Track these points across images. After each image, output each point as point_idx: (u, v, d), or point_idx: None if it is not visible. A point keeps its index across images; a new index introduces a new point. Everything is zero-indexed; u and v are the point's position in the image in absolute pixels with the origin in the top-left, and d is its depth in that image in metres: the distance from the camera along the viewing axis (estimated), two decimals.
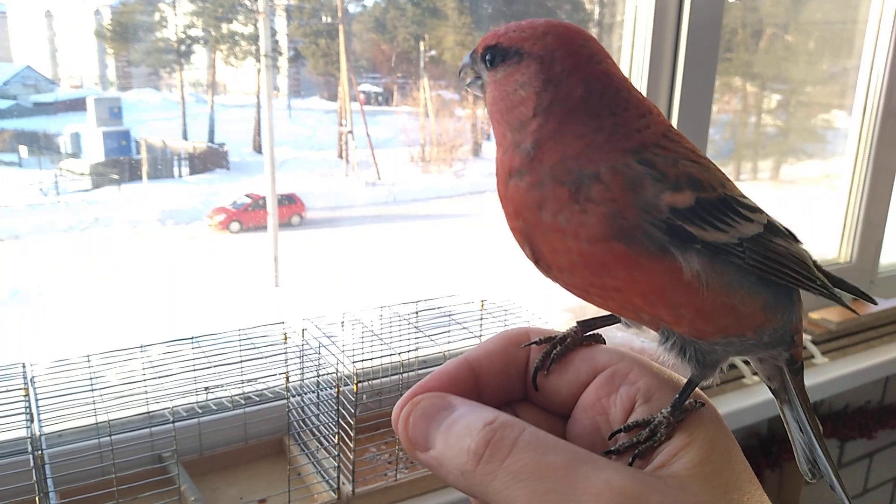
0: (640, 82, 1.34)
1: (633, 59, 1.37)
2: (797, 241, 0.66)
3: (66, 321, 3.21)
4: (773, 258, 0.62)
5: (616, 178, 0.55)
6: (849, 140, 3.05)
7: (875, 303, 0.75)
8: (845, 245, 2.85)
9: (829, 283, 0.66)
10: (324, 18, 3.94)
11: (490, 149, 4.38)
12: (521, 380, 0.57)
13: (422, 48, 4.11)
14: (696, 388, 0.58)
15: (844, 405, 3.08)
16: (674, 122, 1.40)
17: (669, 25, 1.38)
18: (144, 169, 3.66)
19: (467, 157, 4.46)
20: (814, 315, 2.82)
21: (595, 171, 0.54)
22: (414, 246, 3.80)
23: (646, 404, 0.54)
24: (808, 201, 3.58)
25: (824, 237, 3.13)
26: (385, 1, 4.02)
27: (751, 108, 3.83)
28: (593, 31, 4.29)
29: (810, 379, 1.23)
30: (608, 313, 0.65)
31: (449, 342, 1.19)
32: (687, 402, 0.55)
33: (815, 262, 0.67)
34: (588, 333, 0.61)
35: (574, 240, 0.54)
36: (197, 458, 1.05)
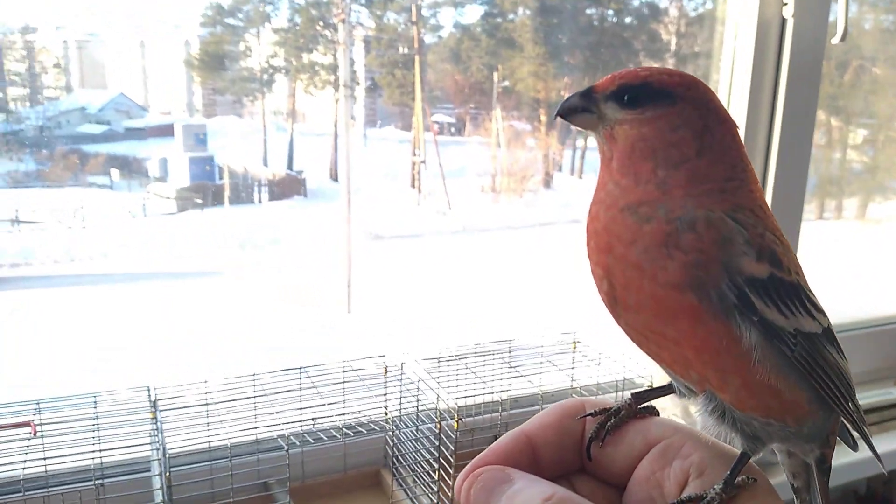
0: (738, 112, 1.34)
1: (731, 92, 1.38)
2: (845, 358, 0.66)
3: (149, 339, 3.33)
4: (820, 363, 0.61)
5: (710, 230, 0.56)
6: None
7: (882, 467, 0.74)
8: None
9: (860, 414, 0.65)
10: (400, 49, 4.03)
11: (561, 180, 4.36)
12: (577, 452, 0.58)
13: (495, 78, 4.15)
14: (753, 465, 0.58)
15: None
16: (772, 159, 1.39)
17: (769, 62, 1.37)
18: (226, 194, 3.81)
19: (538, 188, 4.45)
20: None
21: (693, 218, 0.56)
22: (482, 274, 3.81)
23: (699, 479, 0.54)
24: None
25: None
26: (460, 31, 4.08)
27: (835, 144, 3.72)
28: (669, 62, 4.25)
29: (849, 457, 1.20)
30: (663, 385, 0.66)
31: (542, 382, 1.19)
32: (739, 479, 0.55)
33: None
34: (642, 405, 0.61)
35: (650, 281, 0.55)
36: (299, 485, 1.09)
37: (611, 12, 3.74)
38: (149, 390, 1.01)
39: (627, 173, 0.58)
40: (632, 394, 0.60)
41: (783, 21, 1.34)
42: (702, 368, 0.58)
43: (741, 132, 1.46)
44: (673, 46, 3.70)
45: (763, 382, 0.57)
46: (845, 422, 0.66)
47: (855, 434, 0.71)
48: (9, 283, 3.82)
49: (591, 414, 0.59)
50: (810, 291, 0.62)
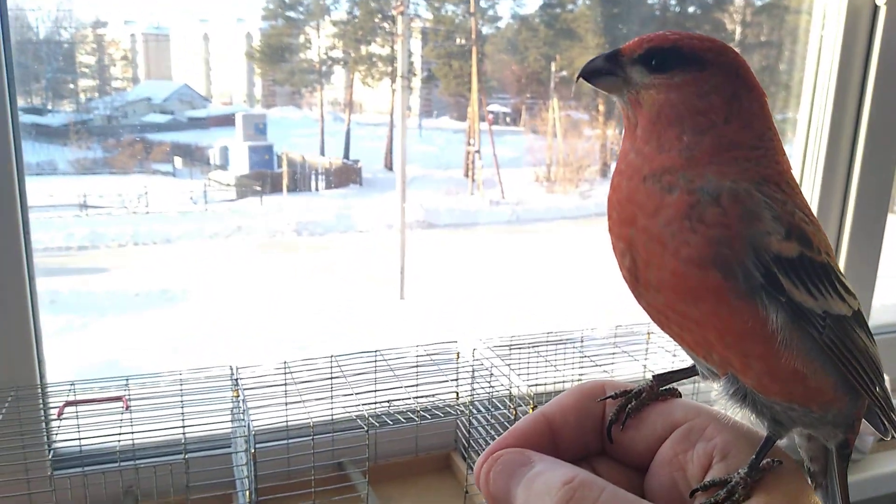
0: (824, 101, 1.29)
1: (816, 82, 1.33)
2: (874, 342, 0.62)
3: (208, 321, 3.43)
4: (850, 347, 0.58)
5: (735, 205, 0.54)
6: None
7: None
8: None
9: (889, 400, 0.61)
10: (458, 40, 4.02)
11: None
12: (598, 434, 0.57)
13: (552, 69, 4.10)
14: (779, 447, 0.56)
15: None
16: (859, 149, 1.33)
17: (859, 52, 1.32)
18: (284, 182, 3.88)
19: (594, 178, 4.39)
20: None
21: (717, 190, 0.54)
22: (536, 263, 3.79)
23: (723, 461, 0.52)
24: None
25: None
26: (518, 22, 4.04)
27: None
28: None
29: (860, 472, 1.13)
30: (685, 367, 0.64)
31: (613, 372, 1.18)
32: (764, 461, 0.53)
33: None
34: (664, 388, 0.60)
35: (672, 257, 0.53)
36: (372, 465, 1.10)
37: (673, 1, 3.66)
38: (231, 369, 1.04)
39: (650, 140, 0.56)
40: (654, 375, 0.59)
41: (875, 8, 1.28)
42: (724, 351, 0.56)
43: (826, 123, 1.42)
44: (738, 36, 3.59)
45: (788, 367, 0.55)
46: (874, 407, 0.63)
47: (885, 420, 0.68)
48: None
49: (611, 396, 0.58)
50: (841, 273, 0.60)
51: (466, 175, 4.20)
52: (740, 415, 0.58)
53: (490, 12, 4.03)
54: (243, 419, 0.96)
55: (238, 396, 0.96)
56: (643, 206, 0.55)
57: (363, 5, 4.02)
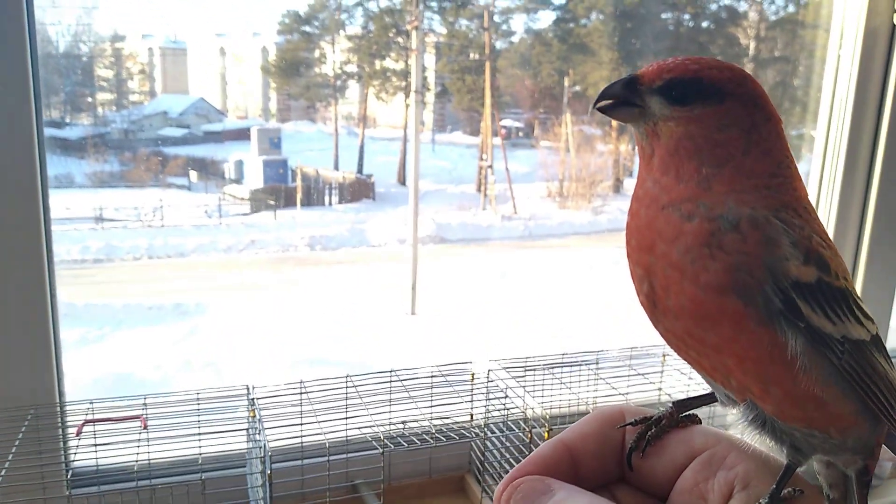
0: (841, 119, 1.29)
1: (833, 100, 1.33)
2: (893, 366, 0.61)
3: (221, 335, 3.44)
4: (868, 372, 0.57)
5: (754, 232, 0.53)
6: None
7: None
8: None
9: None
10: (471, 55, 4.04)
11: (632, 185, 4.29)
12: (618, 461, 0.56)
13: (566, 83, 4.11)
14: (801, 476, 0.55)
15: None
16: (877, 167, 1.33)
17: (876, 70, 1.32)
18: (298, 196, 3.90)
19: (607, 194, 4.38)
20: None
21: (737, 217, 0.53)
22: (548, 279, 3.78)
23: (744, 490, 0.52)
24: None
25: None
26: (532, 37, 4.05)
27: None
28: (748, 67, 4.14)
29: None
30: (705, 394, 0.63)
31: (629, 394, 1.17)
32: (785, 491, 0.52)
33: None
34: (684, 414, 0.59)
35: (691, 283, 0.53)
36: (386, 486, 1.10)
37: (687, 16, 3.66)
38: (248, 389, 1.04)
39: (669, 171, 0.56)
40: (673, 402, 0.58)
41: (893, 28, 1.28)
42: (743, 377, 0.55)
43: (843, 142, 1.42)
44: (752, 51, 3.59)
45: (808, 392, 0.54)
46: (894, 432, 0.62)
47: None
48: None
49: (631, 423, 0.57)
50: (858, 298, 0.59)
51: (479, 190, 4.20)
52: (759, 442, 0.57)
53: (504, 27, 4.04)
54: (259, 439, 0.96)
55: (254, 416, 0.96)
56: (662, 233, 0.55)
57: (378, 20, 4.05)
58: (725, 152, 0.56)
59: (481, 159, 4.14)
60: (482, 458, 1.12)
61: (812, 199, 1.42)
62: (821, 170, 1.33)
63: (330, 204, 4.12)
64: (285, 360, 3.13)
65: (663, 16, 3.63)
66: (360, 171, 4.23)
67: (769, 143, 0.58)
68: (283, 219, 4.06)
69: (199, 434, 1.01)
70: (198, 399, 1.04)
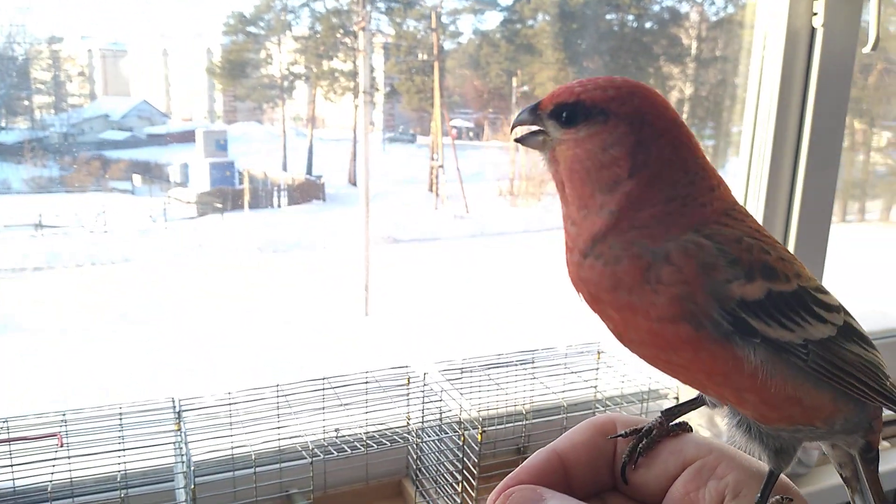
0: (767, 120, 1.32)
1: (758, 101, 1.36)
2: (872, 346, 0.62)
3: (170, 343, 3.36)
4: (839, 365, 0.57)
5: (688, 260, 0.53)
6: None
7: None
8: None
9: None
10: (420, 56, 4.03)
11: None
12: (609, 470, 0.57)
13: (514, 84, 4.13)
14: (786, 480, 0.56)
15: None
16: (801, 168, 1.36)
17: (798, 71, 1.36)
18: (246, 199, 3.83)
19: (556, 191, 4.44)
20: None
21: (665, 249, 0.53)
22: (500, 278, 3.80)
23: (734, 500, 0.52)
24: None
25: None
26: (479, 38, 4.06)
27: (858, 146, 3.67)
28: (690, 66, 4.21)
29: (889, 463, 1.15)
30: (692, 398, 0.65)
31: (565, 393, 1.18)
32: (773, 499, 0.53)
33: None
34: (674, 422, 0.60)
35: (644, 318, 0.53)
36: (321, 495, 1.09)
37: (631, 17, 3.71)
38: (174, 401, 1.02)
39: (574, 200, 0.55)
40: (662, 411, 0.59)
41: (812, 30, 1.32)
42: (716, 389, 0.56)
43: (768, 142, 1.44)
44: (694, 51, 3.66)
45: (780, 395, 0.55)
46: (885, 407, 0.62)
47: None
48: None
49: (621, 435, 0.57)
50: (817, 290, 0.59)
51: (430, 190, 4.20)
52: (747, 447, 0.57)
53: (451, 28, 4.04)
54: (185, 452, 0.94)
55: (179, 429, 0.94)
56: (599, 285, 0.55)
57: (324, 21, 4.01)
58: (611, 174, 0.55)
59: (432, 159, 4.14)
60: (419, 462, 1.12)
61: (740, 194, 1.45)
62: (748, 168, 1.37)
63: (279, 206, 4.06)
64: (233, 365, 3.07)
65: (608, 17, 3.68)
66: (309, 172, 4.19)
67: (661, 162, 0.57)
68: (231, 222, 3.99)
69: (124, 449, 0.98)
70: (120, 413, 1.01)
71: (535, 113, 0.59)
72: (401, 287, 3.74)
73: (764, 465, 0.56)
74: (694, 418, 1.26)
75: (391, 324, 3.54)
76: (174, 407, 1.00)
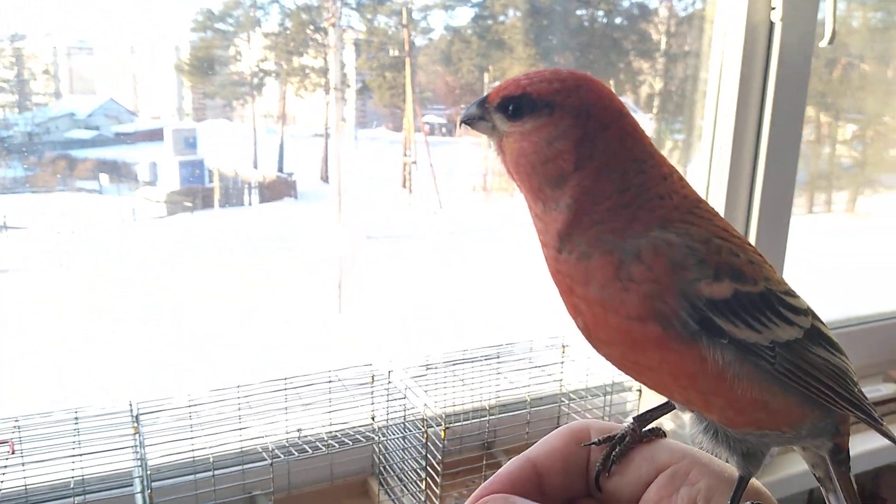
0: (727, 114, 1.34)
1: (719, 94, 1.37)
2: (840, 351, 0.62)
3: (142, 346, 3.32)
4: (806, 369, 0.58)
5: (659, 259, 0.53)
6: None
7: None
8: None
9: (866, 404, 0.61)
10: (391, 52, 4.02)
11: None
12: (583, 477, 0.57)
13: (486, 80, 4.15)
14: (757, 485, 0.56)
15: None
16: (761, 160, 1.38)
17: (758, 65, 1.37)
18: (216, 197, 3.79)
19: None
20: None
21: (636, 246, 0.53)
22: (474, 274, 3.80)
23: None
24: (889, 236, 3.44)
25: None
26: (451, 33, 4.08)
27: (824, 139, 3.73)
28: (660, 62, 4.25)
29: None
30: (661, 403, 0.65)
31: (530, 387, 1.18)
32: None
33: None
34: (647, 428, 0.60)
35: (615, 315, 0.54)
36: (285, 496, 1.08)
37: (601, 13, 3.74)
38: (131, 405, 1.00)
39: (525, 193, 0.56)
40: (634, 417, 0.59)
41: (771, 24, 1.34)
42: (682, 392, 0.56)
43: (729, 135, 1.47)
44: (663, 46, 3.69)
45: (747, 398, 0.55)
46: (852, 414, 0.63)
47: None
48: None
49: (595, 442, 0.57)
50: (785, 293, 0.59)
51: (404, 186, 4.21)
52: (715, 452, 0.58)
53: (423, 24, 4.04)
54: (142, 457, 0.93)
55: (136, 433, 0.92)
56: (573, 278, 0.55)
57: (294, 17, 3.99)
58: (556, 167, 0.55)
59: (405, 155, 4.14)
60: (384, 461, 1.11)
61: (702, 187, 1.47)
62: (709, 161, 1.38)
63: (250, 204, 4.03)
64: (208, 364, 3.04)
65: (578, 12, 3.71)
66: (280, 169, 4.16)
67: (608, 153, 0.57)
68: (201, 221, 3.94)
69: (81, 455, 0.96)
70: (76, 418, 0.99)
71: (482, 106, 0.59)
72: (375, 284, 3.73)
73: (736, 471, 0.56)
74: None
75: (365, 321, 3.53)
76: (132, 411, 0.98)
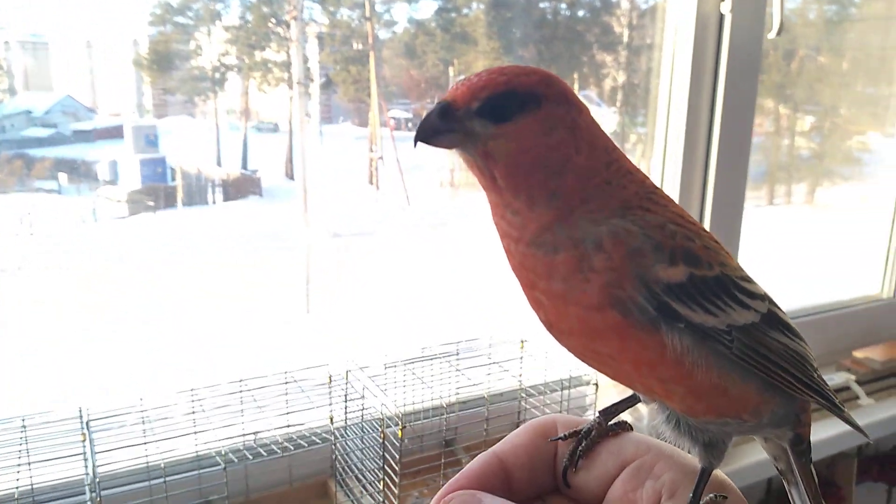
0: (679, 105, 1.35)
1: (671, 86, 1.39)
2: (798, 337, 0.62)
3: (104, 349, 3.26)
4: (764, 353, 0.58)
5: (617, 246, 0.54)
6: (886, 166, 2.99)
7: (867, 437, 0.70)
8: (889, 278, 2.77)
9: (826, 389, 0.62)
10: (354, 45, 4.00)
11: None
12: (551, 472, 0.57)
13: (451, 73, 4.15)
14: (721, 476, 0.57)
15: (892, 447, 2.97)
16: (713, 152, 1.40)
17: (709, 57, 1.39)
18: (179, 196, 3.73)
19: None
20: (857, 354, 2.74)
21: (597, 235, 0.54)
22: (443, 269, 3.81)
23: (671, 500, 0.54)
24: (847, 226, 3.52)
25: (868, 269, 3.05)
26: (414, 27, 4.06)
27: (783, 131, 3.80)
28: (622, 55, 4.28)
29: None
30: (627, 396, 0.65)
31: (489, 384, 1.19)
32: (707, 497, 0.54)
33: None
34: (613, 422, 0.60)
35: (575, 306, 0.54)
36: (243, 500, 1.06)
37: (564, 6, 3.76)
38: (80, 411, 0.98)
39: (518, 192, 0.55)
40: (599, 411, 0.59)
41: (721, 16, 1.35)
42: (643, 380, 0.57)
43: (682, 127, 1.49)
44: (626, 39, 3.72)
45: (706, 384, 0.56)
46: (812, 400, 0.63)
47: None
48: None
49: (561, 437, 0.57)
50: (741, 279, 0.60)
51: (370, 182, 4.19)
52: (678, 443, 0.58)
53: (386, 16, 4.02)
54: (92, 465, 0.91)
55: (85, 440, 0.91)
56: (536, 271, 0.55)
57: (255, 10, 3.93)
58: (561, 155, 0.56)
59: (371, 151, 4.12)
60: (344, 462, 1.11)
61: (656, 181, 1.49)
62: (663, 155, 1.40)
63: (214, 202, 3.97)
64: (174, 368, 2.99)
65: (541, 5, 3.72)
66: (244, 166, 4.11)
67: (591, 133, 0.58)
68: (164, 220, 3.88)
69: (29, 463, 0.94)
70: (24, 426, 0.97)
71: (447, 116, 0.57)
72: (343, 281, 3.71)
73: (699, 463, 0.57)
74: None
75: (333, 320, 3.51)
76: (81, 417, 0.96)
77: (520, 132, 0.58)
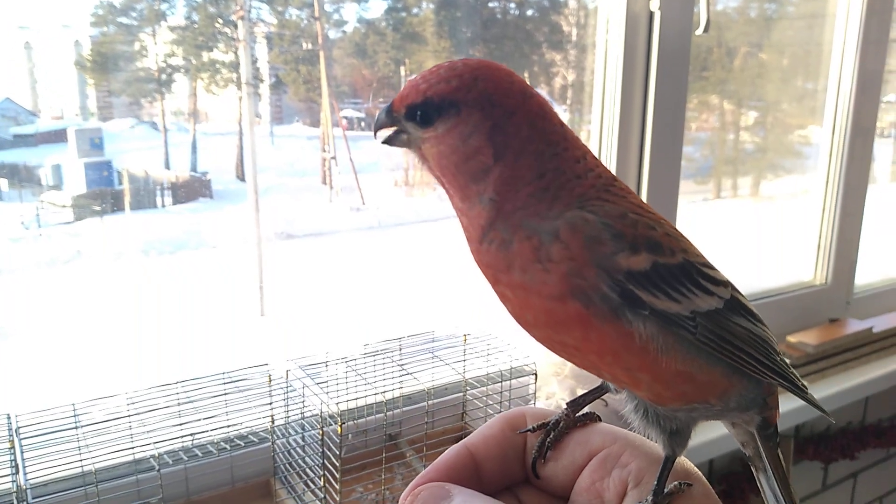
0: (613, 102, 1.38)
1: (605, 80, 1.41)
2: (760, 322, 0.64)
3: (46, 360, 3.17)
4: (728, 338, 0.60)
5: (575, 235, 0.55)
6: (820, 159, 3.11)
7: (829, 417, 0.73)
8: (821, 266, 2.88)
9: (789, 373, 0.64)
10: (304, 45, 3.97)
11: None
12: (521, 464, 0.58)
13: (402, 73, 4.15)
14: (687, 464, 0.59)
15: (826, 427, 3.09)
16: (647, 148, 1.43)
17: (640, 49, 1.42)
18: (127, 200, 3.64)
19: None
20: (791, 339, 2.83)
21: (553, 226, 0.55)
22: (398, 271, 3.80)
23: (636, 488, 0.55)
24: (787, 218, 3.64)
25: (804, 257, 3.18)
26: (365, 26, 4.05)
27: (729, 126, 3.91)
28: (571, 53, 4.34)
29: (791, 403, 1.24)
30: (594, 387, 0.67)
31: (433, 378, 1.20)
32: (672, 485, 0.55)
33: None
34: (581, 413, 0.61)
35: (537, 297, 0.55)
36: (184, 502, 1.05)
37: (513, 5, 3.80)
38: (9, 417, 0.96)
39: (453, 193, 0.57)
40: (567, 403, 0.60)
41: (651, 14, 1.38)
42: (610, 370, 0.58)
43: (615, 124, 1.52)
44: (574, 37, 3.78)
45: (673, 371, 0.57)
46: (776, 382, 0.65)
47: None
48: None
49: (531, 429, 0.58)
50: (704, 265, 0.61)
51: (324, 182, 4.17)
52: (646, 432, 0.59)
53: (335, 16, 4.01)
54: (19, 473, 0.89)
55: (12, 447, 0.88)
56: (496, 266, 0.56)
57: (201, 10, 3.87)
58: (477, 163, 0.56)
59: (324, 151, 4.10)
60: (287, 460, 1.10)
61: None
62: (598, 150, 1.42)
63: (163, 205, 3.90)
64: (121, 377, 2.92)
65: (490, 4, 3.75)
66: (194, 168, 4.04)
67: (520, 138, 0.58)
68: (111, 225, 3.79)
69: None
70: None
71: (391, 115, 0.58)
72: (297, 284, 3.68)
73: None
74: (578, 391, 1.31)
75: (288, 323, 3.47)
76: (9, 424, 0.94)
77: (440, 139, 0.59)
